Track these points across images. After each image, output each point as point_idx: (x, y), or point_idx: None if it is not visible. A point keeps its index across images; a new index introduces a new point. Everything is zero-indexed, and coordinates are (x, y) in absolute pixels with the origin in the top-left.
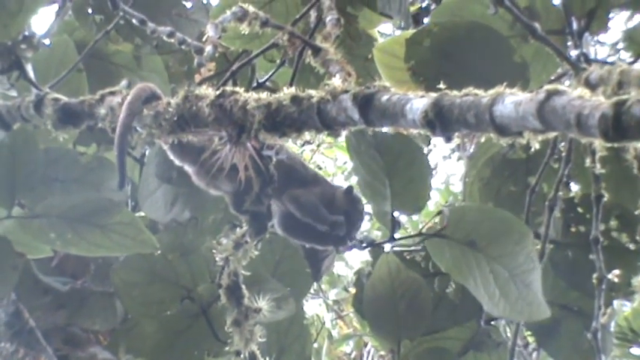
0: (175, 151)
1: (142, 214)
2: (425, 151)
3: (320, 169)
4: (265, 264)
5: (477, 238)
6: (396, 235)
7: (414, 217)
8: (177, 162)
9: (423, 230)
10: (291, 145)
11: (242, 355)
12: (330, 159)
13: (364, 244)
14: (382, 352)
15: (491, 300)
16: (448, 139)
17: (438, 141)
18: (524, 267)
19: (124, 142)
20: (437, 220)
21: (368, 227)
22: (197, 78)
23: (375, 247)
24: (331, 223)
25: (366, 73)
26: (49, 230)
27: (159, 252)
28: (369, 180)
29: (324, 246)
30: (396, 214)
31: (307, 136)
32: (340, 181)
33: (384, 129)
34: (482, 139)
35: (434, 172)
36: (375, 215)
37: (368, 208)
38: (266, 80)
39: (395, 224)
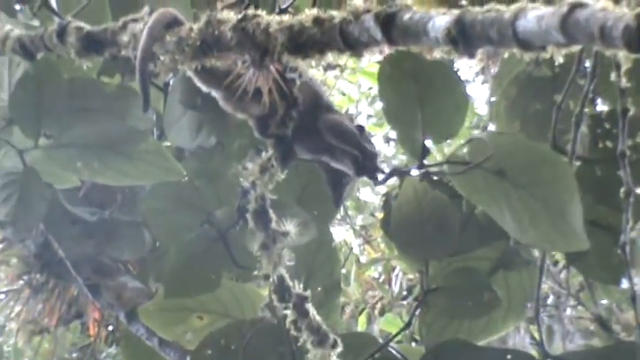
0: (201, 77)
1: (168, 143)
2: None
3: (344, 95)
4: (291, 189)
5: (506, 168)
6: (425, 162)
7: None
8: (203, 88)
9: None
10: (314, 72)
11: (271, 279)
12: (353, 85)
13: (394, 174)
14: (410, 275)
15: (519, 228)
16: (471, 56)
17: (461, 64)
18: (560, 198)
19: (146, 64)
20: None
21: (392, 153)
22: (219, 5)
23: (404, 174)
24: (370, 153)
25: None
26: (75, 159)
27: (185, 179)
28: (399, 106)
29: (356, 174)
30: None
31: (330, 57)
32: (364, 107)
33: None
34: (507, 59)
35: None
36: (403, 142)
37: (393, 134)
38: (288, 6)
39: (425, 151)
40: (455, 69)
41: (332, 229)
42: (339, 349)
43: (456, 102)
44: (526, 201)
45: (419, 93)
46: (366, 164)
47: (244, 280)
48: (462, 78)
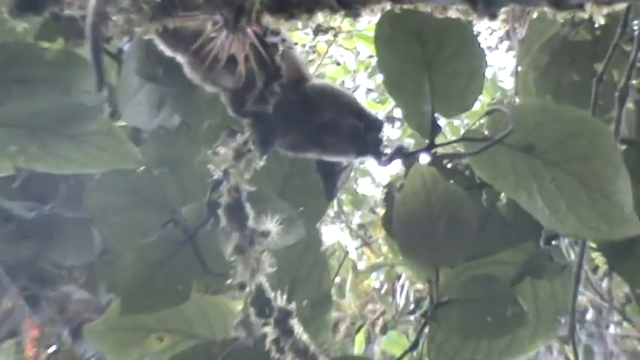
0: (164, 39)
1: (123, 122)
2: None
3: (338, 64)
4: (272, 179)
5: (535, 142)
6: (436, 141)
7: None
8: (166, 52)
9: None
10: (302, 37)
11: (247, 289)
12: (349, 52)
13: (399, 154)
14: (419, 285)
15: (555, 215)
16: (493, 17)
17: (481, 27)
18: (603, 174)
19: (98, 29)
20: (483, 121)
21: (398, 135)
22: None
23: (412, 155)
24: (374, 121)
25: None
26: (8, 142)
27: (142, 167)
28: (403, 74)
29: (358, 153)
30: (435, 115)
31: (320, 17)
32: (363, 79)
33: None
34: (537, 20)
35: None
36: (408, 118)
37: (397, 111)
38: None
39: (435, 128)
40: (469, 27)
41: (323, 229)
42: None
43: (472, 67)
44: (562, 181)
45: (425, 56)
46: (370, 136)
47: (214, 291)
48: (481, 42)
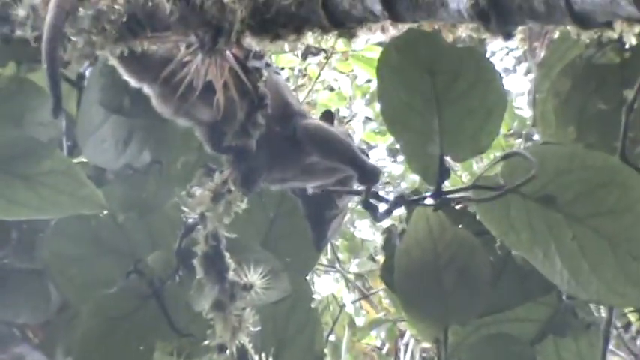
0: (128, 66)
1: (84, 160)
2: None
3: (332, 90)
4: (255, 224)
5: (557, 192)
6: (445, 187)
7: None
8: (132, 82)
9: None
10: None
11: (228, 351)
12: (345, 75)
13: (400, 203)
14: (425, 344)
15: (575, 279)
16: (507, 36)
17: (496, 49)
18: (633, 232)
19: (56, 52)
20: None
21: (401, 170)
22: None
23: (414, 204)
24: (368, 171)
25: None
26: None
27: (106, 212)
28: (408, 109)
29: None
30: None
31: (310, 38)
32: (360, 107)
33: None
34: (558, 40)
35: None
36: (412, 160)
37: (398, 148)
38: None
39: (443, 173)
40: (488, 56)
41: (315, 280)
42: None
43: (489, 103)
44: (586, 239)
45: (436, 90)
46: (366, 185)
47: (189, 354)
48: (498, 68)
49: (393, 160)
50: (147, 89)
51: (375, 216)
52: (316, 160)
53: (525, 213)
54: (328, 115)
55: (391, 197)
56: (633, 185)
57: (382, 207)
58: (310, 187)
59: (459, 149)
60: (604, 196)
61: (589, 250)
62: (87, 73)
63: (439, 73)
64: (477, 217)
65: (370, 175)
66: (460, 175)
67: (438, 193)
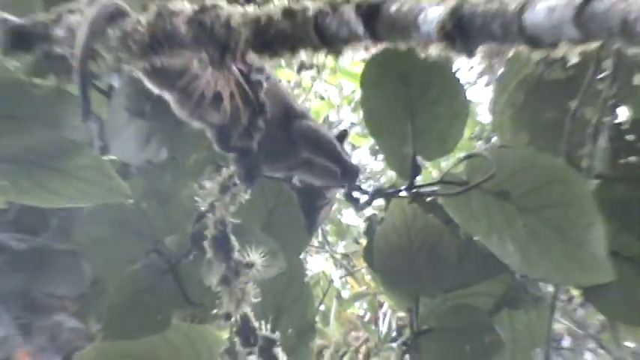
0: (151, 77)
1: (112, 156)
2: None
3: (322, 99)
4: (256, 212)
5: (511, 188)
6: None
7: None
8: (153, 90)
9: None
10: (289, 73)
11: (233, 319)
12: (333, 87)
13: (378, 195)
14: (400, 313)
15: (526, 260)
16: (470, 55)
17: (460, 64)
18: (576, 221)
19: (86, 64)
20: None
21: (381, 168)
22: None
23: (391, 195)
24: (349, 168)
25: None
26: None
27: (131, 201)
28: (386, 116)
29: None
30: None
31: (303, 55)
32: (347, 114)
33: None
34: (513, 58)
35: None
36: (389, 159)
37: (378, 148)
38: None
39: (415, 169)
40: (454, 70)
41: (307, 259)
42: None
43: (455, 111)
44: (535, 228)
45: (410, 99)
46: (345, 181)
47: (201, 320)
48: (462, 81)
49: (374, 158)
50: (166, 96)
51: (356, 206)
52: (305, 160)
53: (484, 205)
54: (343, 133)
55: (371, 190)
56: (575, 182)
57: (364, 198)
58: (307, 181)
59: (428, 150)
60: (551, 191)
61: (538, 237)
62: (115, 84)
63: (412, 85)
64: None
65: (350, 172)
66: (431, 171)
67: (411, 187)
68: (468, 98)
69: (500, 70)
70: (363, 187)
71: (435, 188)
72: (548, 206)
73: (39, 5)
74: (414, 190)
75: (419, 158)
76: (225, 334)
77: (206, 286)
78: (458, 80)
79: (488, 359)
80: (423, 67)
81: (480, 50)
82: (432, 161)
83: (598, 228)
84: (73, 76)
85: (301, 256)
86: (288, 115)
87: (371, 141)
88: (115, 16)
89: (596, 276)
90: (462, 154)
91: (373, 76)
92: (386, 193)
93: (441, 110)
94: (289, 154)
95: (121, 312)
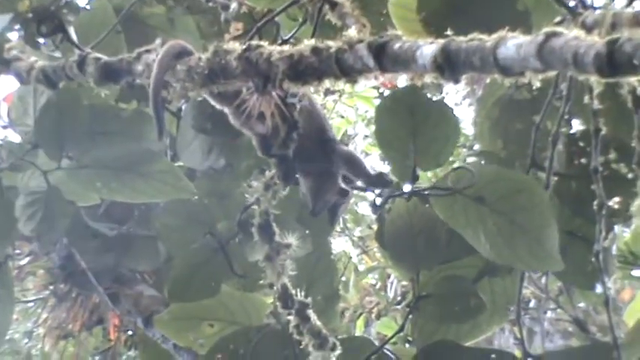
0: (214, 97)
1: (181, 163)
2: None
3: (342, 117)
4: (292, 207)
5: (486, 195)
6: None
7: None
8: (216, 106)
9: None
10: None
11: (275, 287)
12: (351, 107)
13: (389, 198)
14: (404, 282)
15: (494, 250)
16: (456, 82)
17: (449, 88)
18: (536, 223)
19: (158, 94)
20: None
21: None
22: (226, 38)
23: (399, 196)
24: (384, 178)
25: (381, 27)
26: (95, 179)
27: (196, 197)
28: (394, 138)
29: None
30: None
31: (327, 83)
32: (361, 128)
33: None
34: (490, 83)
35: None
36: (394, 169)
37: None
38: (289, 38)
39: (415, 177)
40: (450, 105)
41: (332, 241)
42: (338, 351)
43: (448, 134)
44: (502, 226)
45: (413, 125)
46: (376, 184)
47: (250, 289)
48: (450, 102)
49: (383, 163)
50: (225, 110)
51: (375, 209)
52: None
53: (464, 207)
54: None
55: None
56: (537, 191)
57: (378, 199)
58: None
59: (425, 163)
60: (517, 198)
61: (505, 233)
62: (183, 107)
63: (416, 114)
64: None
65: (384, 182)
66: (427, 174)
67: (411, 192)
68: (459, 125)
69: (480, 93)
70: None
71: (428, 192)
72: (514, 210)
73: (123, 46)
74: (413, 193)
75: (417, 169)
76: (269, 300)
77: (249, 262)
78: (452, 111)
79: (473, 317)
80: (426, 102)
81: (464, 78)
82: (427, 171)
83: (553, 229)
84: (150, 102)
85: (328, 239)
86: (323, 135)
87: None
88: (182, 54)
89: (549, 265)
90: (451, 159)
91: (387, 106)
92: (395, 196)
93: (437, 134)
94: (319, 163)
95: (182, 280)
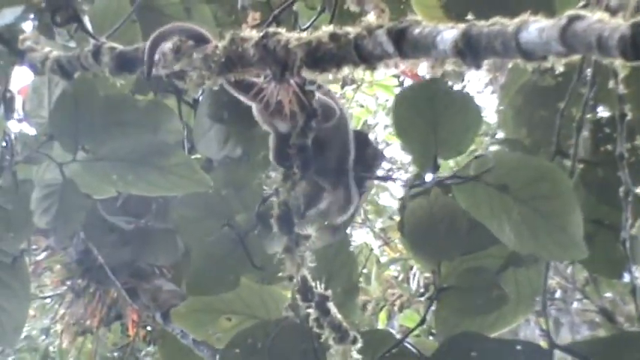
0: (233, 87)
1: (198, 155)
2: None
3: (362, 106)
4: None
5: (509, 183)
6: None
7: None
8: (237, 96)
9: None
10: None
11: (294, 280)
12: (370, 96)
13: (412, 188)
14: (426, 274)
15: (518, 240)
16: (478, 67)
17: (471, 76)
18: (560, 211)
19: (152, 54)
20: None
21: (406, 164)
22: (244, 27)
23: (421, 186)
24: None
25: (400, 13)
26: (111, 172)
27: (213, 190)
28: (415, 129)
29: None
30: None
31: (346, 70)
32: (381, 118)
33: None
34: (513, 70)
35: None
36: (415, 160)
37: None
38: (308, 27)
39: (436, 167)
40: (471, 94)
41: (352, 233)
42: (359, 344)
43: (469, 123)
44: (527, 215)
45: (434, 116)
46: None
47: (269, 282)
48: (475, 97)
49: (404, 152)
50: (248, 103)
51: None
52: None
53: (487, 196)
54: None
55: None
56: (561, 179)
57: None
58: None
59: (446, 153)
60: (541, 186)
61: (529, 222)
62: (200, 99)
63: (437, 105)
64: None
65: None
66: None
67: (432, 181)
68: (481, 113)
69: (502, 80)
70: (396, 175)
71: (449, 181)
72: (538, 198)
73: (139, 35)
74: (435, 183)
75: (438, 159)
76: (288, 293)
77: (268, 255)
78: (473, 99)
79: (496, 309)
80: (446, 90)
81: (486, 64)
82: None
83: (577, 216)
84: (170, 93)
85: (347, 231)
86: (342, 162)
87: None
88: (199, 41)
89: (574, 254)
90: (473, 147)
91: (406, 96)
92: (416, 185)
93: (458, 123)
94: (328, 180)
95: (200, 273)
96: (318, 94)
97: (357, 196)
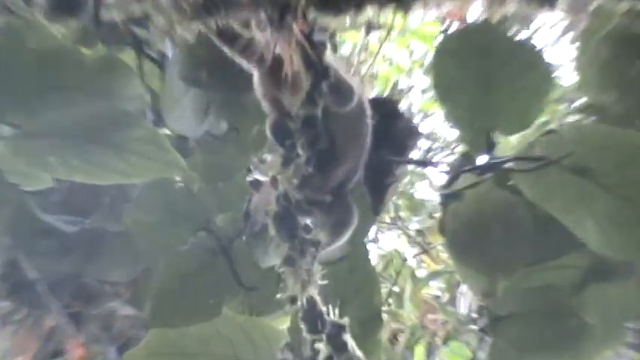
0: (220, 39)
1: (167, 131)
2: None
3: (391, 64)
4: None
5: (593, 165)
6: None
7: None
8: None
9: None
10: (355, 34)
11: (298, 303)
12: (403, 50)
13: (457, 176)
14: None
15: (605, 238)
16: (552, 6)
17: (540, 21)
18: None
19: None
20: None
21: (452, 141)
22: None
23: (470, 171)
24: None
25: None
26: (47, 153)
27: (181, 185)
28: (461, 85)
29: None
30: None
31: (369, 12)
32: (418, 78)
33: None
34: (597, 11)
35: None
36: (462, 130)
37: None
38: None
39: (491, 146)
40: (539, 46)
41: (379, 237)
42: None
43: (536, 85)
44: (616, 207)
45: (488, 73)
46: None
47: (260, 309)
48: (544, 50)
49: (447, 126)
50: (232, 56)
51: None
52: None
53: (559, 182)
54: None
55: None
56: None
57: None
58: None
59: (506, 125)
60: (635, 169)
61: (620, 216)
62: (170, 54)
63: (492, 58)
64: None
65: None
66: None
67: (486, 165)
68: (553, 72)
69: (584, 25)
70: (437, 158)
71: (509, 165)
72: (632, 185)
73: None
74: (489, 166)
75: (495, 134)
76: (284, 326)
77: (260, 270)
78: (542, 53)
79: (573, 345)
80: (505, 41)
81: (562, 2)
82: (509, 136)
83: None
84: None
85: (370, 237)
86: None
87: None
88: None
89: None
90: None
91: (451, 48)
92: (465, 170)
93: (521, 85)
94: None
95: (167, 297)
96: (331, 58)
97: (355, 217)
